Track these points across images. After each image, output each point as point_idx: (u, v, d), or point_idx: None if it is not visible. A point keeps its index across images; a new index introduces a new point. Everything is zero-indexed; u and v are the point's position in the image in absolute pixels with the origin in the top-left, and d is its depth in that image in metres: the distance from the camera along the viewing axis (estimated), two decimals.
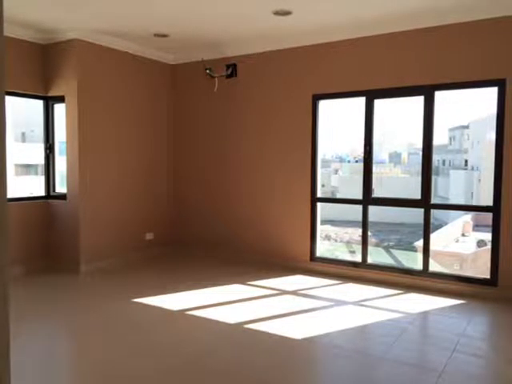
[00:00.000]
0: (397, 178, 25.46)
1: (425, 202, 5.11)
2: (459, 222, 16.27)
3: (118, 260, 6.03)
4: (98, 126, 5.75)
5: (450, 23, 4.76)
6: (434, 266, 5.57)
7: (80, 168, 5.54)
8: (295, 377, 3.13)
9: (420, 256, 5.33)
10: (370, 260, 5.54)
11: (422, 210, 5.16)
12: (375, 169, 5.74)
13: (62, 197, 5.74)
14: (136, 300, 4.63)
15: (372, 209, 5.55)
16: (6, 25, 4.39)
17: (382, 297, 4.82)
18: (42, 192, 5.87)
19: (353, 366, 3.30)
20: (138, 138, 6.30)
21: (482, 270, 5.75)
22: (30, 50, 5.54)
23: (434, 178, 5.27)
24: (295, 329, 3.91)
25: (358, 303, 4.62)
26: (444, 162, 30.36)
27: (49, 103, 5.83)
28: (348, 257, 11.44)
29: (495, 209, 4.75)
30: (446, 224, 16.99)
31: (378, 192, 5.78)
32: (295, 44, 5.69)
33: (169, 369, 3.16)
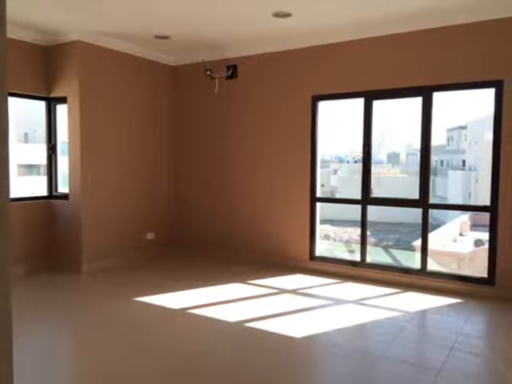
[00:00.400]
0: (395, 178, 25.51)
1: (423, 201, 5.16)
2: (457, 221, 16.31)
3: (119, 260, 6.07)
4: (100, 127, 5.79)
5: (448, 25, 4.80)
6: (432, 266, 5.62)
7: (82, 168, 5.59)
8: (295, 375, 3.16)
9: (418, 255, 5.37)
10: (368, 259, 5.59)
11: (421, 209, 5.20)
12: (374, 169, 5.78)
13: (64, 197, 5.78)
14: (137, 299, 4.67)
15: (371, 209, 5.59)
16: (9, 26, 4.45)
17: (380, 296, 4.87)
18: (44, 192, 5.92)
19: (352, 365, 3.34)
20: (138, 138, 6.35)
21: (480, 270, 5.80)
22: (33, 51, 5.58)
23: (432, 178, 5.32)
24: (295, 327, 3.95)
25: (357, 302, 4.67)
26: (442, 162, 30.40)
27: (51, 104, 5.87)
28: (347, 256, 11.48)
29: (493, 208, 4.80)
30: (444, 224, 17.03)
31: (376, 192, 5.82)
32: (295, 45, 5.73)
33: (169, 368, 3.19)
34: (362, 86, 5.39)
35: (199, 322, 4.12)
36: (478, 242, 12.96)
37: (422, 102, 5.09)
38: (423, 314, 4.41)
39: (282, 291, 5.02)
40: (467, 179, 22.86)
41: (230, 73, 6.20)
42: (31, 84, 5.60)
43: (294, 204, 5.92)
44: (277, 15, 4.75)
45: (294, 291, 5.02)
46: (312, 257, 5.85)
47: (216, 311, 4.35)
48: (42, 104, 5.85)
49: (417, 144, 5.23)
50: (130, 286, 5.16)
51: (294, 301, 4.71)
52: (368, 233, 5.72)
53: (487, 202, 4.87)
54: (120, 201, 6.12)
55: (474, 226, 15.92)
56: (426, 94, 5.04)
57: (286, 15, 4.75)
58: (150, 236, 6.59)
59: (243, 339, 3.75)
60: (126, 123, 6.14)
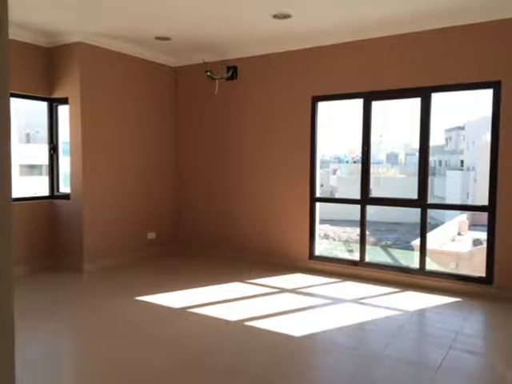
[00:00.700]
0: (394, 178, 25.58)
1: (422, 201, 5.20)
2: (455, 221, 16.36)
3: (120, 259, 6.10)
4: (101, 127, 5.83)
5: (447, 26, 4.84)
6: (430, 265, 5.66)
7: (83, 168, 5.62)
8: (294, 374, 3.18)
9: (417, 255, 5.41)
10: (367, 259, 5.62)
11: (419, 209, 5.24)
12: (373, 169, 5.82)
13: (66, 197, 5.82)
14: (138, 298, 4.70)
15: (370, 208, 5.63)
16: (11, 28, 4.49)
17: (379, 295, 4.90)
18: (46, 192, 5.96)
19: (351, 363, 3.37)
20: (140, 138, 6.38)
21: (478, 269, 5.84)
22: (34, 52, 5.61)
23: (430, 178, 5.36)
24: (294, 326, 3.98)
25: (356, 301, 4.70)
26: (440, 162, 30.49)
27: (53, 105, 5.90)
28: (346, 255, 11.56)
29: (490, 208, 4.84)
30: (442, 223, 17.08)
31: (375, 192, 5.86)
32: (295, 47, 5.77)
33: (170, 366, 3.22)
34: (361, 87, 5.43)
35: (200, 321, 4.15)
36: (476, 242, 13.02)
37: (420, 102, 5.13)
38: (422, 313, 4.44)
39: (282, 290, 5.05)
40: (465, 179, 22.95)
41: (230, 74, 6.24)
42: (33, 85, 5.63)
43: (293, 204, 5.96)
44: (276, 17, 4.79)
45: (293, 290, 5.05)
46: (311, 256, 5.89)
47: (216, 310, 4.38)
48: (44, 105, 5.89)
49: (415, 144, 5.28)
50: (131, 286, 5.19)
51: (293, 300, 4.74)
52: (367, 232, 5.75)
53: (485, 202, 4.90)
54: (121, 200, 6.16)
55: (473, 226, 15.99)
56: (424, 94, 5.08)
57: (286, 16, 4.79)
58: (151, 235, 6.63)
59: (243, 338, 3.77)
60: (127, 124, 6.17)
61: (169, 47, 6.07)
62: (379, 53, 5.28)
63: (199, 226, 6.84)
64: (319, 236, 6.33)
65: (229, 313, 4.30)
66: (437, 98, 5.13)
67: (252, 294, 4.93)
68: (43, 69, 5.72)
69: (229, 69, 6.25)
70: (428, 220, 5.31)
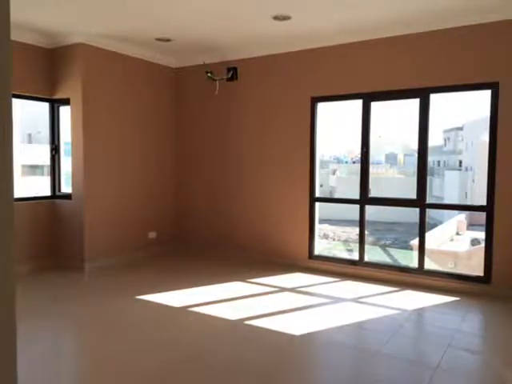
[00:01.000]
0: (393, 178, 25.62)
1: (420, 201, 5.23)
2: (454, 221, 16.42)
3: (121, 258, 6.14)
4: (103, 128, 5.86)
5: (445, 28, 4.87)
6: (429, 264, 5.69)
7: (85, 168, 5.65)
8: (294, 372, 3.21)
9: (415, 254, 5.45)
10: (366, 258, 5.65)
11: (418, 209, 5.28)
12: (372, 169, 5.84)
13: (67, 197, 5.85)
14: (139, 297, 4.72)
15: (369, 208, 5.66)
16: (13, 29, 4.52)
17: (378, 294, 4.93)
18: (47, 192, 5.98)
19: (350, 361, 3.41)
20: (141, 139, 6.41)
21: (476, 268, 5.88)
22: (36, 53, 5.64)
23: (429, 178, 5.39)
24: (294, 325, 4.00)
25: (356, 300, 4.73)
26: (439, 162, 30.54)
27: (54, 105, 5.93)
28: (345, 255, 11.60)
29: (488, 208, 4.87)
30: (441, 223, 17.13)
31: (374, 192, 5.88)
32: (294, 48, 5.80)
33: (171, 365, 3.24)
34: (360, 88, 5.46)
35: (200, 320, 4.17)
36: (474, 241, 13.07)
37: (419, 103, 5.16)
38: (420, 311, 4.47)
39: (282, 289, 5.08)
40: (464, 179, 23.01)
41: (230, 75, 6.27)
42: (35, 86, 5.66)
43: (293, 204, 5.99)
44: (276, 18, 4.82)
45: (293, 290, 5.08)
46: (311, 256, 5.92)
47: (217, 309, 4.41)
48: (46, 105, 5.91)
49: (414, 145, 5.32)
50: (132, 285, 5.22)
51: (293, 299, 4.76)
52: (366, 232, 5.78)
53: (483, 202, 4.94)
54: (122, 200, 6.19)
55: (471, 226, 16.04)
56: (423, 95, 5.11)
57: (286, 18, 4.82)
58: (151, 235, 6.66)
59: (243, 337, 3.80)
60: (128, 124, 6.20)
61: (169, 48, 6.10)
62: (378, 54, 5.32)
63: (199, 225, 6.87)
64: (319, 236, 6.36)
65: (229, 312, 4.33)
66: (435, 99, 5.16)
67: (252, 293, 4.95)
68: (45, 70, 5.75)
69: (229, 70, 6.28)
70: (427, 220, 5.35)
